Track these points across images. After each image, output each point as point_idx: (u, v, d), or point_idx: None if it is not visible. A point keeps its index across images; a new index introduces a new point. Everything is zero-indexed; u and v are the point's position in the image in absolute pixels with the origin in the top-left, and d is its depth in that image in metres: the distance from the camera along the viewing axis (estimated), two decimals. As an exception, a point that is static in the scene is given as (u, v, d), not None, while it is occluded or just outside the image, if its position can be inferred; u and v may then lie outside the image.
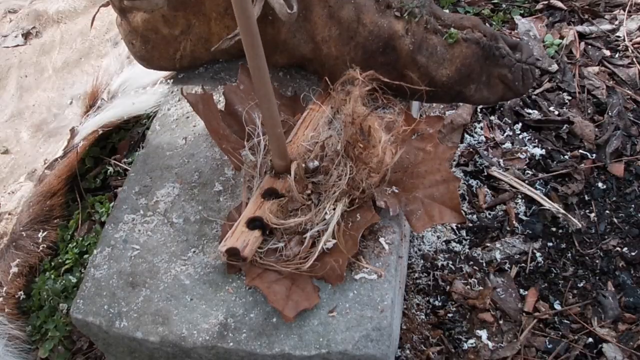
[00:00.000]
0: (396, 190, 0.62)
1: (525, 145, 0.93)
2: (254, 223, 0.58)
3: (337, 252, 0.57)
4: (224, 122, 0.65)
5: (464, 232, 0.84)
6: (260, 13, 0.68)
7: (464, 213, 0.85)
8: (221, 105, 0.71)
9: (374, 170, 0.60)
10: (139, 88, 0.98)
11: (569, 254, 0.82)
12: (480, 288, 0.78)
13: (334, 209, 0.58)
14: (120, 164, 0.96)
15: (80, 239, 0.89)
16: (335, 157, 0.60)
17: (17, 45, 1.28)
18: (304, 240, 0.57)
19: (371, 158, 0.59)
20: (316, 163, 0.60)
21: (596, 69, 1.04)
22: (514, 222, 0.84)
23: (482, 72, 0.66)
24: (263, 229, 0.57)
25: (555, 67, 1.04)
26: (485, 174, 0.90)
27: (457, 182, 0.61)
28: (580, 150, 0.92)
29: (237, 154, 0.64)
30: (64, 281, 0.83)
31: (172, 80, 0.83)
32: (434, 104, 0.98)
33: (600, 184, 0.89)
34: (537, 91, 1.01)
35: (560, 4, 1.16)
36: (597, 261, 0.81)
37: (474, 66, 0.65)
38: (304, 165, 0.60)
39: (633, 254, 0.81)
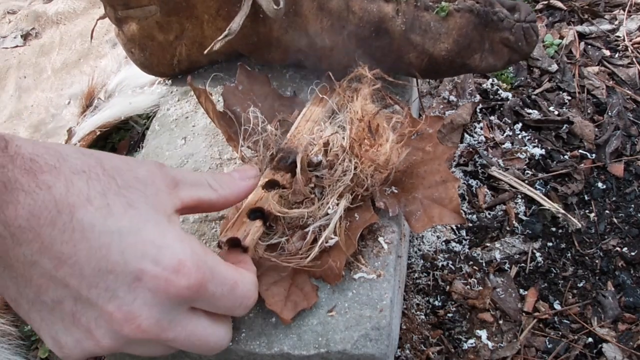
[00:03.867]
0: (395, 191, 0.62)
1: (525, 145, 0.93)
2: (255, 214, 0.57)
3: (336, 251, 0.57)
4: (223, 122, 0.65)
5: (463, 232, 0.84)
6: (249, 11, 0.68)
7: (463, 213, 0.85)
8: (220, 106, 0.71)
9: (381, 168, 0.59)
10: (137, 88, 0.97)
11: (569, 254, 0.82)
12: (480, 288, 0.78)
13: (337, 204, 0.58)
14: (120, 165, 0.96)
15: (80, 239, 0.88)
16: (341, 152, 0.60)
17: (16, 46, 1.28)
18: (307, 235, 0.56)
19: (379, 156, 0.59)
20: (320, 157, 0.60)
21: (596, 69, 1.04)
22: (514, 222, 0.84)
23: (484, 40, 0.66)
24: (264, 220, 0.57)
25: (555, 67, 1.04)
26: (485, 174, 0.90)
27: (456, 182, 0.61)
28: (580, 150, 0.92)
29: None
30: (63, 281, 0.83)
31: (170, 81, 0.83)
32: (434, 104, 0.98)
33: (600, 184, 0.88)
34: (537, 91, 1.01)
35: (560, 4, 1.16)
36: (597, 261, 0.81)
37: (472, 35, 0.65)
38: (307, 158, 0.60)
39: (633, 254, 0.81)
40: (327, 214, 0.57)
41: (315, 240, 0.57)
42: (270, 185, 0.60)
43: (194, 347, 0.48)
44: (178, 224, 0.47)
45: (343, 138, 0.61)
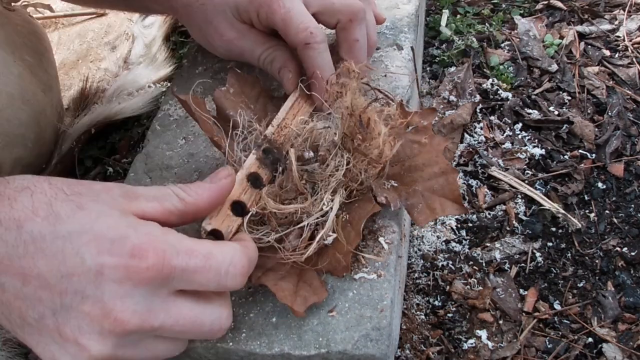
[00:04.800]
0: (395, 185, 0.62)
1: (525, 145, 0.93)
2: (237, 207, 0.56)
3: (340, 245, 0.57)
4: (217, 126, 0.64)
5: (463, 232, 0.84)
6: None
7: (465, 205, 0.85)
8: (213, 109, 0.70)
9: (374, 162, 0.59)
10: (134, 90, 0.98)
11: (569, 254, 0.82)
12: (480, 288, 0.78)
13: (332, 200, 0.57)
14: (120, 164, 0.96)
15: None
16: (332, 147, 0.60)
17: (16, 46, 1.27)
18: (302, 232, 0.56)
19: (371, 150, 0.59)
20: (311, 153, 0.59)
21: (596, 69, 1.04)
22: (514, 222, 0.84)
23: None
24: (243, 213, 0.56)
25: (555, 67, 1.04)
26: (485, 174, 0.90)
27: (455, 173, 0.61)
28: (580, 150, 0.92)
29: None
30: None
31: (170, 82, 0.83)
32: (434, 104, 0.98)
33: (600, 184, 0.89)
34: (537, 91, 1.01)
35: (560, 4, 1.16)
36: (597, 261, 0.81)
37: None
38: (300, 153, 0.59)
39: (633, 254, 0.81)
40: (322, 209, 0.57)
41: (312, 237, 0.57)
42: (255, 178, 0.59)
43: (189, 333, 0.47)
44: (134, 217, 0.46)
45: (335, 134, 0.61)
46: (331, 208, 0.57)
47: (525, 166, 0.91)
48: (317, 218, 0.57)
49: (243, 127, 0.62)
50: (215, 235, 0.54)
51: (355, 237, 0.57)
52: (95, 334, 0.43)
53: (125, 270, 0.43)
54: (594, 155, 0.92)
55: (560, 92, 1.01)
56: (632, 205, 0.86)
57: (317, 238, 0.56)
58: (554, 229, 0.84)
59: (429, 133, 0.65)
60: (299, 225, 0.57)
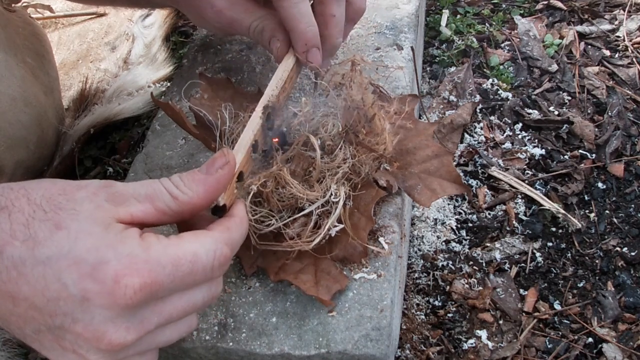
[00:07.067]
0: (388, 168, 0.63)
1: (525, 145, 0.93)
2: (239, 177, 0.55)
3: (354, 230, 0.58)
4: (199, 133, 0.64)
5: (463, 232, 0.84)
6: None
7: (464, 212, 0.85)
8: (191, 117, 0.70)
9: (381, 157, 0.60)
10: (133, 90, 0.98)
11: (569, 254, 0.82)
12: (480, 288, 0.78)
13: (337, 191, 0.58)
14: (120, 164, 0.96)
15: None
16: (338, 139, 0.60)
17: (17, 46, 1.27)
18: (308, 221, 0.56)
19: (378, 146, 0.60)
20: (319, 141, 0.59)
21: (596, 69, 1.04)
22: (514, 222, 0.84)
23: None
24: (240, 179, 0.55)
25: (555, 67, 1.04)
26: (485, 174, 0.90)
27: (449, 155, 0.62)
28: (580, 150, 0.92)
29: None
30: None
31: (169, 82, 0.83)
32: (434, 104, 0.98)
33: (600, 184, 0.89)
34: (537, 91, 1.01)
35: (560, 4, 1.16)
36: (597, 261, 0.81)
37: None
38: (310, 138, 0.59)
39: (633, 254, 0.81)
40: (328, 200, 0.57)
41: (315, 225, 0.57)
42: (255, 144, 0.58)
43: (184, 316, 0.47)
44: (116, 230, 0.44)
45: (333, 125, 0.61)
46: (338, 200, 0.57)
47: (525, 166, 0.91)
48: (321, 206, 0.57)
49: (229, 119, 0.62)
50: (218, 209, 0.52)
51: (368, 222, 0.58)
52: (92, 351, 0.43)
53: (112, 296, 0.42)
54: (594, 155, 0.92)
55: (560, 92, 1.01)
56: (632, 205, 0.86)
57: (325, 227, 0.56)
58: (554, 229, 0.84)
59: (412, 118, 0.67)
60: (302, 213, 0.57)
